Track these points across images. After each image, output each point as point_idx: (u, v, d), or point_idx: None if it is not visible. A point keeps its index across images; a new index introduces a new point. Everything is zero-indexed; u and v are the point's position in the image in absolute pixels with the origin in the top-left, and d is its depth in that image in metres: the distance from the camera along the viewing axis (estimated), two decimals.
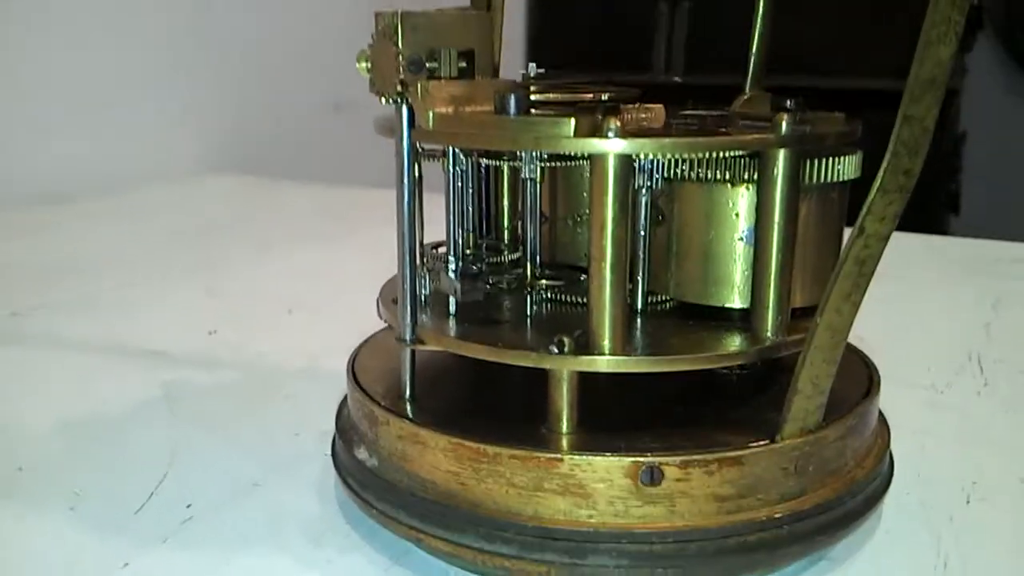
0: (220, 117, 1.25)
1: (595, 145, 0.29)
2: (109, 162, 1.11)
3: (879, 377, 0.37)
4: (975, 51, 1.90)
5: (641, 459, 0.30)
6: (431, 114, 0.32)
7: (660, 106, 0.38)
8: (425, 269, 0.38)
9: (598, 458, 0.30)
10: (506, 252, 0.40)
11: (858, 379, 0.37)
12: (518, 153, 0.35)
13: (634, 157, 0.32)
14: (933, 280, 0.75)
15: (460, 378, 0.39)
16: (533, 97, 0.38)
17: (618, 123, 0.29)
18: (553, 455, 0.31)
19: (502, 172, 0.41)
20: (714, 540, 0.30)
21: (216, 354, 0.57)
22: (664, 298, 0.37)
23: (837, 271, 0.30)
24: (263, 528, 0.37)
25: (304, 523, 0.37)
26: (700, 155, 0.32)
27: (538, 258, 0.37)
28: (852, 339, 0.54)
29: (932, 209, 1.73)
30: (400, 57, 0.31)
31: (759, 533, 0.31)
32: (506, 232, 0.42)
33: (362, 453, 0.36)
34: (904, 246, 0.85)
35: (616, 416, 0.35)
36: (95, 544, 0.36)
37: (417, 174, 0.36)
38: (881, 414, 0.38)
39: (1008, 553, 0.35)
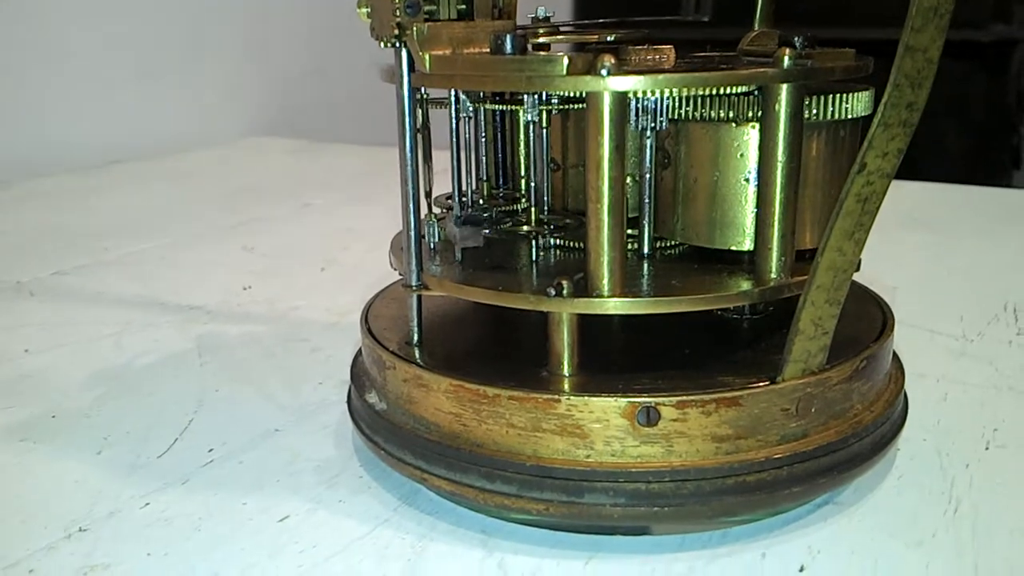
0: (264, 83, 1.27)
1: (587, 83, 0.29)
2: (158, 128, 1.14)
3: (893, 321, 0.36)
4: None
5: (637, 400, 0.30)
6: (427, 56, 0.32)
7: (670, 47, 0.37)
8: (434, 217, 0.39)
9: (594, 399, 0.30)
10: (522, 200, 0.40)
11: (872, 323, 0.36)
12: (522, 97, 0.35)
13: (630, 96, 0.31)
14: (975, 230, 0.73)
15: (475, 325, 0.39)
16: (541, 40, 0.38)
17: (612, 61, 0.29)
18: (550, 396, 0.31)
19: (518, 121, 0.41)
20: (711, 480, 0.30)
21: (249, 309, 0.59)
22: (674, 243, 0.36)
23: (838, 209, 0.30)
24: (280, 471, 0.38)
25: (319, 466, 0.38)
26: (698, 92, 0.31)
27: (545, 204, 0.37)
28: (886, 287, 0.53)
29: (993, 163, 1.68)
30: (396, 0, 0.31)
31: (758, 474, 0.31)
32: (523, 181, 0.42)
33: (372, 397, 0.37)
34: (950, 197, 0.83)
35: (620, 359, 0.35)
36: (118, 485, 0.37)
37: (420, 120, 0.37)
38: (897, 359, 0.37)
39: (1022, 500, 0.34)
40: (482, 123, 0.40)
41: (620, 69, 0.29)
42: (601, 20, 0.39)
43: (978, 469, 0.36)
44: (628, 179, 0.37)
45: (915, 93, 0.29)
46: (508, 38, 0.31)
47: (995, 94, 1.68)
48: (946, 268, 0.63)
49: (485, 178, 0.42)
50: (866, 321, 0.36)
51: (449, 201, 0.40)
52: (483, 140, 0.41)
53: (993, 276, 0.61)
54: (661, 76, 0.29)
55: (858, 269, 0.34)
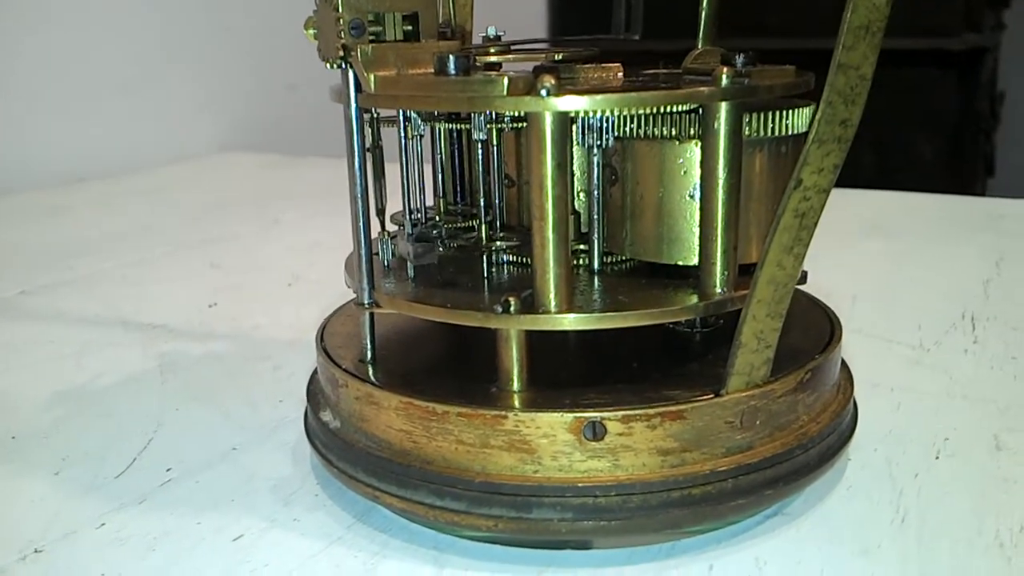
0: (236, 97, 1.27)
1: (527, 103, 0.29)
2: (127, 144, 1.13)
3: (841, 333, 0.37)
4: (1013, 6, 1.84)
5: (583, 415, 0.31)
6: (372, 77, 0.32)
7: (618, 65, 0.38)
8: (387, 235, 0.39)
9: (541, 414, 0.31)
10: (481, 216, 0.40)
11: (820, 334, 0.37)
12: (472, 116, 0.35)
13: (572, 114, 0.32)
14: (938, 238, 0.74)
15: (430, 342, 0.39)
16: (492, 59, 0.39)
17: (552, 81, 0.29)
18: (498, 412, 0.31)
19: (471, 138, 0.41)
20: (657, 493, 0.31)
21: (213, 327, 0.59)
22: (623, 258, 0.37)
23: (776, 224, 0.30)
24: (237, 490, 0.38)
25: (276, 484, 0.38)
26: (639, 111, 0.32)
27: (499, 219, 0.37)
28: (845, 296, 0.54)
29: (966, 170, 1.69)
30: (341, 21, 0.32)
31: (703, 486, 0.31)
32: (480, 197, 0.42)
33: (327, 415, 0.37)
34: (913, 205, 0.84)
35: (570, 374, 0.35)
36: (74, 506, 0.37)
37: (371, 139, 0.37)
38: (846, 369, 0.38)
39: (968, 509, 0.34)
40: (439, 140, 0.41)
41: (561, 89, 0.30)
42: (550, 38, 0.39)
43: (927, 479, 0.37)
44: (582, 193, 0.37)
45: (848, 110, 0.29)
46: (451, 58, 0.31)
47: (967, 102, 1.70)
48: (907, 277, 0.64)
49: (442, 194, 0.42)
50: (814, 332, 0.37)
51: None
52: (439, 156, 0.41)
53: (953, 285, 0.61)
54: (600, 96, 0.30)
55: (804, 281, 0.35)
